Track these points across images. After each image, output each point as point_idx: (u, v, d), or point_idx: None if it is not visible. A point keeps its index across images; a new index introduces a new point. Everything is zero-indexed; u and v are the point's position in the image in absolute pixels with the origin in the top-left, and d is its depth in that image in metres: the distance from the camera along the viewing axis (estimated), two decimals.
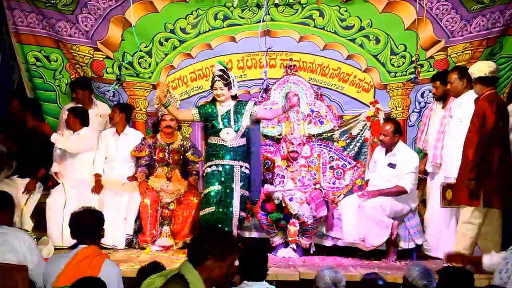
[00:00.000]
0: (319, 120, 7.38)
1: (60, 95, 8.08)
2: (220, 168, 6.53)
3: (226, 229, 6.41)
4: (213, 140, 6.63)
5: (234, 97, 6.70)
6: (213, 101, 6.72)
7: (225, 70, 6.60)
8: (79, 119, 7.40)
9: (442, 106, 6.92)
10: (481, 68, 5.91)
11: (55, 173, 7.40)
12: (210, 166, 6.59)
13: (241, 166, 6.57)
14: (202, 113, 6.64)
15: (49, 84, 8.05)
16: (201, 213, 6.59)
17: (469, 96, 6.22)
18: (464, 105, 6.23)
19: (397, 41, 7.60)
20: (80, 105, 7.63)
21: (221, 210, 6.48)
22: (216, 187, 6.51)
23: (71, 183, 7.27)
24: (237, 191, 6.51)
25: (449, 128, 6.44)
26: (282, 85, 7.46)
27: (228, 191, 6.51)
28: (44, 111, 7.99)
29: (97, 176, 7.40)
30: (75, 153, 7.36)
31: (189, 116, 6.73)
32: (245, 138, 6.65)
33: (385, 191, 6.69)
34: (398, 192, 6.65)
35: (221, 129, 6.54)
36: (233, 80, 6.60)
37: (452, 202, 6.09)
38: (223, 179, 6.52)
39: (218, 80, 6.52)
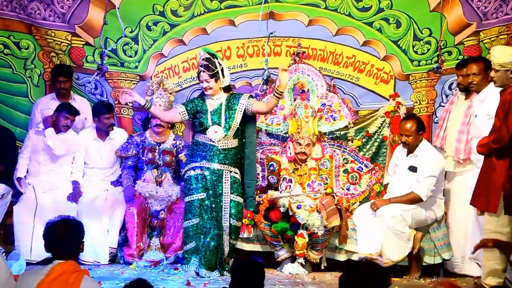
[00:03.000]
0: (331, 116, 7.34)
1: (32, 87, 8.05)
2: (206, 172, 6.48)
3: (213, 242, 6.42)
4: (201, 138, 6.58)
5: (227, 89, 6.64)
6: (203, 94, 6.67)
7: (212, 58, 6.50)
8: (75, 116, 7.40)
9: (465, 97, 6.91)
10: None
11: (18, 178, 7.31)
12: (194, 169, 6.53)
13: (230, 171, 6.53)
14: (190, 109, 6.59)
15: (19, 75, 8.03)
16: (184, 224, 6.56)
17: (493, 90, 6.16)
18: (491, 101, 6.18)
19: (420, 24, 7.58)
20: (65, 102, 7.60)
21: (208, 221, 6.45)
22: (200, 195, 6.48)
23: (44, 186, 7.25)
24: (227, 198, 6.48)
25: (476, 128, 6.37)
26: (289, 75, 7.35)
27: (216, 198, 6.47)
28: (12, 106, 8.00)
29: (75, 183, 7.38)
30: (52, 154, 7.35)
31: (176, 116, 6.68)
32: (238, 139, 6.59)
33: (396, 199, 6.68)
34: (412, 200, 6.65)
35: (209, 126, 6.49)
36: (222, 69, 6.52)
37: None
38: (209, 184, 6.47)
39: (203, 71, 6.47)
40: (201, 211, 6.47)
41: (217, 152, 6.50)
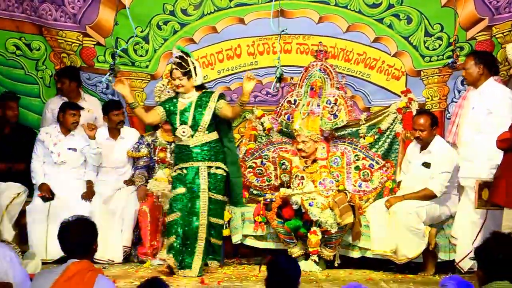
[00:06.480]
0: (333, 114, 7.23)
1: (43, 88, 8.08)
2: (185, 171, 6.48)
3: (190, 239, 6.37)
4: (176, 140, 6.59)
5: (199, 88, 6.61)
6: (176, 94, 6.66)
7: (184, 56, 6.50)
8: (79, 110, 7.44)
9: None
10: None
11: (43, 185, 7.25)
12: (175, 171, 6.57)
13: (209, 167, 6.47)
14: (166, 109, 6.58)
15: (31, 76, 8.06)
16: (166, 219, 6.59)
17: (493, 85, 6.26)
18: (490, 95, 6.24)
19: (432, 20, 7.54)
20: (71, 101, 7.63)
21: (185, 218, 6.42)
22: (180, 190, 6.46)
23: (56, 187, 7.23)
24: (205, 195, 6.40)
25: (475, 121, 6.38)
26: (306, 73, 7.36)
27: (194, 196, 6.42)
28: (25, 106, 7.99)
29: (89, 183, 7.38)
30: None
31: (156, 117, 6.64)
32: (214, 132, 6.56)
33: (410, 195, 6.64)
34: (425, 196, 6.62)
35: (178, 127, 6.49)
36: (194, 68, 6.50)
37: (489, 203, 6.02)
38: (188, 184, 6.45)
39: (176, 69, 6.47)
40: (182, 205, 6.44)
41: (190, 151, 6.47)
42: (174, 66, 6.50)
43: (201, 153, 6.47)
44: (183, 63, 6.45)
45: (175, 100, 6.59)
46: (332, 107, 7.20)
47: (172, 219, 6.46)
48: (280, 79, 7.53)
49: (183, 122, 6.47)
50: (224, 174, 6.55)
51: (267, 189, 7.26)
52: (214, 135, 6.55)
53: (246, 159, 7.30)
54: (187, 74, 6.46)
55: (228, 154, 6.64)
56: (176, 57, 6.49)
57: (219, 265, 6.73)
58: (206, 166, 6.46)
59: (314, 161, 7.05)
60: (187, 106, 6.51)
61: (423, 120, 6.71)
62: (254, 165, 7.28)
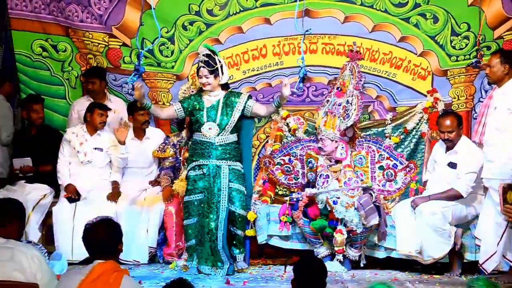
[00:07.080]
0: (347, 114, 7.14)
1: (69, 89, 8.14)
2: (205, 170, 6.51)
3: (209, 242, 6.41)
4: (198, 136, 6.61)
5: (224, 87, 6.67)
6: (200, 91, 6.70)
7: (212, 55, 6.55)
8: (107, 111, 7.50)
9: None
10: None
11: (69, 186, 7.30)
12: (194, 168, 6.57)
13: (229, 166, 6.54)
14: (186, 107, 6.63)
15: (57, 77, 8.12)
16: (184, 223, 6.66)
17: None
18: (510, 94, 6.18)
19: (458, 19, 7.52)
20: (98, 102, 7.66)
21: (205, 219, 6.45)
22: (198, 195, 6.52)
23: (82, 187, 7.28)
24: (225, 186, 6.47)
25: (497, 121, 6.31)
26: (341, 73, 7.29)
27: (215, 192, 6.46)
28: (51, 108, 8.06)
29: (115, 183, 7.41)
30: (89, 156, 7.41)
31: (172, 114, 6.73)
32: (236, 134, 6.64)
33: (436, 196, 6.60)
34: (452, 197, 6.57)
35: (204, 123, 6.53)
36: (221, 66, 6.56)
37: None
38: (207, 183, 6.49)
39: (203, 67, 6.51)
40: (199, 210, 6.49)
41: (215, 148, 6.52)
42: (201, 64, 6.53)
43: (224, 152, 6.52)
44: (210, 61, 6.50)
45: (199, 97, 6.63)
46: (348, 107, 7.19)
47: (190, 223, 6.55)
48: (303, 79, 7.52)
49: (210, 119, 6.52)
50: (242, 171, 6.63)
51: (294, 187, 7.22)
52: (235, 137, 6.63)
53: (275, 156, 7.26)
54: (214, 72, 6.51)
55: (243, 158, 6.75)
56: (204, 55, 6.53)
57: (245, 262, 6.75)
58: (227, 165, 6.52)
59: (338, 160, 7.02)
60: (214, 104, 6.56)
61: (450, 121, 6.66)
62: (282, 162, 7.24)
